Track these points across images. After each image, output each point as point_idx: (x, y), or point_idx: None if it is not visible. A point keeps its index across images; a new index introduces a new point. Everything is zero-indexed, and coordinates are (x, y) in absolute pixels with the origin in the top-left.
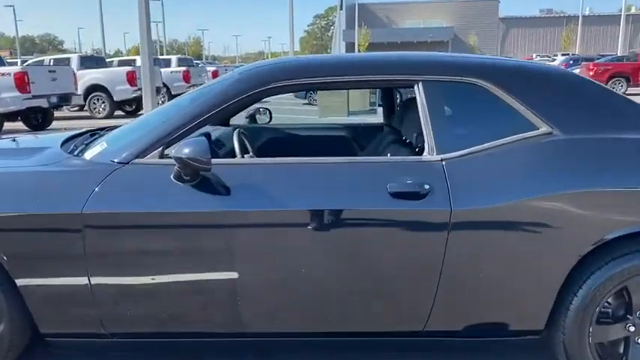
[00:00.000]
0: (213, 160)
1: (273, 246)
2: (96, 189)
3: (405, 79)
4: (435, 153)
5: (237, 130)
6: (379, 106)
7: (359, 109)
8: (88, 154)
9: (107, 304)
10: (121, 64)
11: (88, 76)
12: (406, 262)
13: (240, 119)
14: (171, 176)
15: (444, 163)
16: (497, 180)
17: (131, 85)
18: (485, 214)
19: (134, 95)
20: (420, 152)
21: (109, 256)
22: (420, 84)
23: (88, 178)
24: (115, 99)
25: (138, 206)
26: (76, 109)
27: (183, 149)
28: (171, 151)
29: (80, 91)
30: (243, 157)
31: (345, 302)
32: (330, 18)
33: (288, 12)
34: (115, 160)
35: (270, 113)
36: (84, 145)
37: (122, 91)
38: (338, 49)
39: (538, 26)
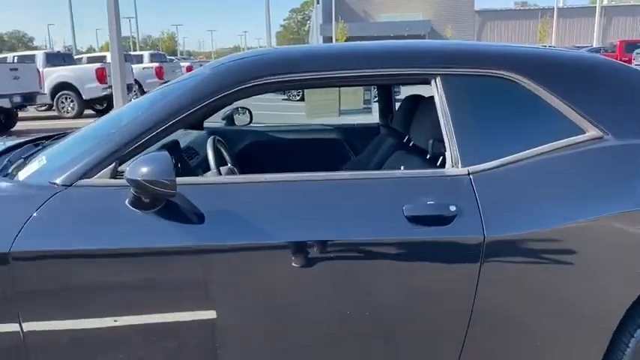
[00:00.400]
0: (181, 180)
1: (259, 288)
2: (29, 220)
3: (419, 72)
4: (460, 165)
5: (212, 138)
6: (375, 101)
7: (352, 107)
8: (23, 174)
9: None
10: (91, 60)
11: (55, 74)
12: (428, 304)
13: (216, 118)
14: (127, 202)
15: (472, 177)
16: (540, 198)
17: (101, 83)
18: (527, 241)
19: (104, 93)
20: (434, 160)
21: (41, 306)
22: (439, 79)
23: (19, 206)
24: (84, 97)
25: (82, 242)
26: (43, 108)
27: (140, 168)
28: (127, 168)
29: (47, 89)
30: (219, 170)
31: (353, 353)
32: (307, 12)
33: (264, 6)
34: (55, 182)
35: (251, 113)
36: (22, 160)
37: (91, 89)
38: (316, 44)
39: (514, 19)
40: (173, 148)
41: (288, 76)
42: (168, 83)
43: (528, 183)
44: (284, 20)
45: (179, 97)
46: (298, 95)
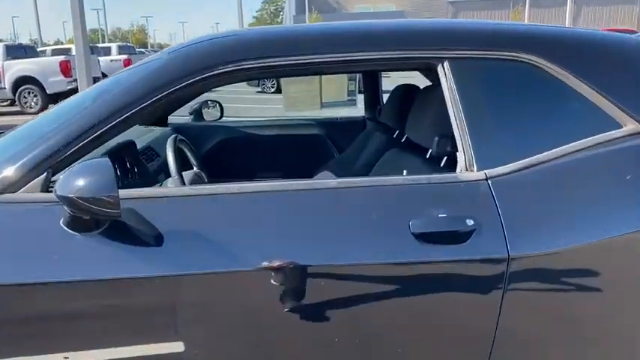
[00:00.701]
0: (132, 192)
1: (233, 328)
2: None
3: (422, 55)
4: (475, 168)
5: (172, 137)
6: (360, 92)
7: (335, 99)
8: None
9: None
10: (55, 53)
11: (17, 67)
12: (441, 337)
13: (183, 111)
14: (61, 222)
15: (490, 182)
16: (572, 207)
17: (65, 76)
18: (559, 259)
19: (69, 87)
20: (437, 160)
21: None
22: (447, 63)
23: None
24: (47, 92)
25: (5, 272)
26: (5, 104)
27: (72, 182)
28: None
29: (7, 84)
30: (181, 177)
31: None
32: (280, 3)
33: None
34: None
35: (222, 107)
36: None
37: (55, 82)
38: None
39: (486, 9)
40: (127, 149)
41: (267, 60)
42: (120, 71)
43: (558, 188)
44: (257, 12)
45: (130, 88)
46: (274, 87)
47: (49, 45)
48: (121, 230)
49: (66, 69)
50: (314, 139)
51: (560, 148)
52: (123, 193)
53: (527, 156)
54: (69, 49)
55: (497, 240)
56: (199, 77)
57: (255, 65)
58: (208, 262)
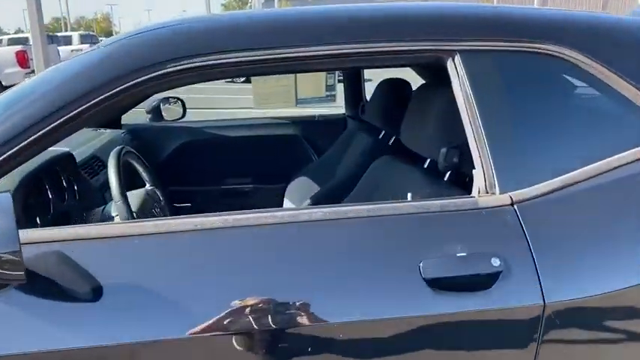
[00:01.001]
0: (55, 232)
1: None
2: None
3: (428, 48)
4: (497, 189)
5: (117, 151)
6: (339, 81)
7: (311, 95)
8: None
9: None
10: (12, 42)
11: None
12: None
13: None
14: None
15: (517, 209)
16: (621, 237)
17: (22, 67)
18: (608, 306)
19: (27, 79)
20: (435, 170)
21: None
22: (459, 58)
23: None
24: (3, 84)
25: None
26: None
27: None
28: None
29: None
30: (126, 201)
31: None
32: None
33: None
34: None
35: (184, 104)
36: None
37: (11, 74)
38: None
39: None
40: (63, 164)
41: (232, 55)
42: (48, 69)
43: (602, 215)
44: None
45: (55, 93)
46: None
47: (9, 34)
48: (39, 286)
49: (22, 59)
50: (289, 140)
51: (602, 162)
52: (38, 234)
53: (562, 173)
54: (27, 38)
55: (529, 284)
56: (142, 78)
57: (216, 62)
58: (153, 326)
